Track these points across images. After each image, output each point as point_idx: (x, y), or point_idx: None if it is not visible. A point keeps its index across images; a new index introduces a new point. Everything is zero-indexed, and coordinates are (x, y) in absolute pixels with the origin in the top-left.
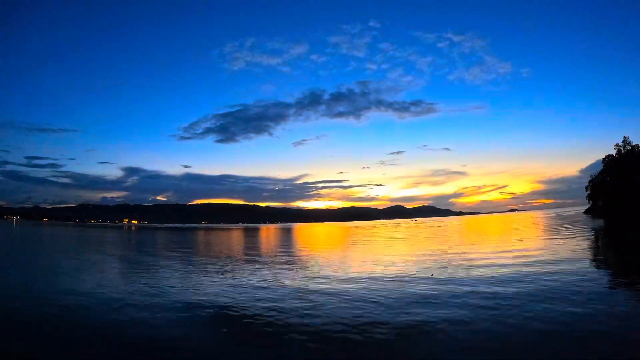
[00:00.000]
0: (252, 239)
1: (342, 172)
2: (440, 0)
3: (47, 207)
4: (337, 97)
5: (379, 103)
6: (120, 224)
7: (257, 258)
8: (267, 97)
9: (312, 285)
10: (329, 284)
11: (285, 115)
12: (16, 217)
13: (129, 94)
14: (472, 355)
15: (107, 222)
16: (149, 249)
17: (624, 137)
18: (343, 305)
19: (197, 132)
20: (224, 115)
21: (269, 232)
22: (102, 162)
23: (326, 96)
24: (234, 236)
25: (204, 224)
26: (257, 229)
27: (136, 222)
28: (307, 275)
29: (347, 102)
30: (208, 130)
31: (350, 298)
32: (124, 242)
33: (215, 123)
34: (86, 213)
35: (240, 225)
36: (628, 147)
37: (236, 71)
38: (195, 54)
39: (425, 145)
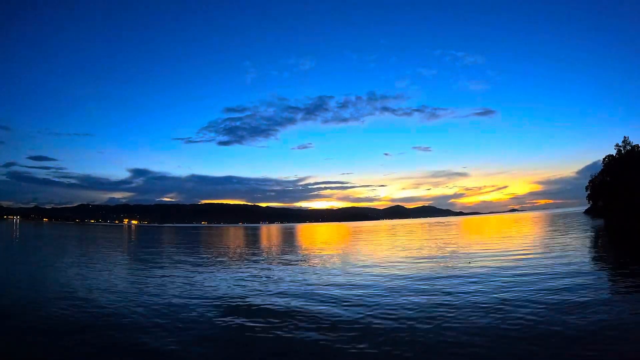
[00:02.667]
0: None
1: (344, 174)
2: (445, 20)
3: (48, 207)
4: (344, 104)
5: (384, 109)
6: (120, 224)
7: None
8: (274, 103)
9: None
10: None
11: (292, 119)
12: (16, 218)
13: (141, 101)
14: None
15: (107, 222)
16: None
17: (624, 137)
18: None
19: (206, 134)
20: (233, 120)
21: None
22: (110, 164)
23: (333, 103)
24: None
25: (204, 224)
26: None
27: (136, 222)
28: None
29: (353, 109)
30: (217, 133)
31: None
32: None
33: (223, 127)
34: (86, 213)
35: (240, 225)
36: (628, 147)
37: (247, 82)
38: (208, 66)
39: (427, 148)
